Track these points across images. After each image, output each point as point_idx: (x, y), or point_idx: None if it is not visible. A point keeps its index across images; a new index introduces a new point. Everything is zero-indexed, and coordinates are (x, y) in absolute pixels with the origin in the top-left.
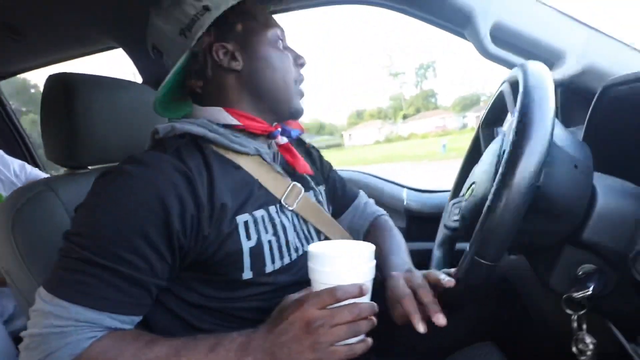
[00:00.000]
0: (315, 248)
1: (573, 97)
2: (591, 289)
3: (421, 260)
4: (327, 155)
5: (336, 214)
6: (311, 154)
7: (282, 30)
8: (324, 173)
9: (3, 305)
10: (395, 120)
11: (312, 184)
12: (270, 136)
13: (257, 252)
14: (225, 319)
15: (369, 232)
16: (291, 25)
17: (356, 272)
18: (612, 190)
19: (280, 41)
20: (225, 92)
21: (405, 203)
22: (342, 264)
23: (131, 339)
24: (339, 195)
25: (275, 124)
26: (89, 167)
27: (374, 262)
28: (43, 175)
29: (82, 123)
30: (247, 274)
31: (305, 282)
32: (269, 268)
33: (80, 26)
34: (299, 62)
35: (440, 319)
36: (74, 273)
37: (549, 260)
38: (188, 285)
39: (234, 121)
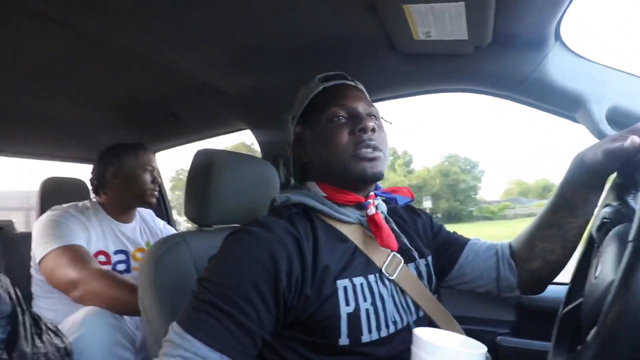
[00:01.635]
0: (423, 333)
1: None
2: None
3: None
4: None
5: (454, 258)
6: (418, 222)
7: (342, 105)
8: (434, 237)
9: (137, 336)
10: None
11: (415, 255)
12: (361, 207)
13: (354, 319)
14: None
15: (518, 244)
16: None
17: None
18: None
19: (340, 117)
20: (313, 173)
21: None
22: (451, 358)
23: None
24: (452, 240)
25: (370, 194)
26: (213, 226)
27: None
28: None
29: (216, 190)
30: (344, 340)
31: (402, 359)
32: (365, 337)
33: (221, 113)
34: (357, 128)
35: None
36: (200, 313)
37: None
38: (288, 344)
39: (321, 193)
